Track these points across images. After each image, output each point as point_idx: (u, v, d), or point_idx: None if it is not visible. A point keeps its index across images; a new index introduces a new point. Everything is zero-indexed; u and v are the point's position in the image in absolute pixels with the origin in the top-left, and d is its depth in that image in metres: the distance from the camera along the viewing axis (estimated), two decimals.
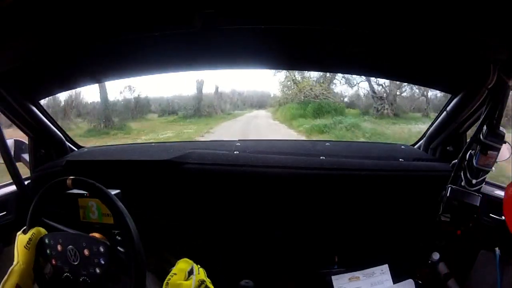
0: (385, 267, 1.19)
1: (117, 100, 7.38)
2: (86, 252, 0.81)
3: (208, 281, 0.82)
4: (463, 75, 1.17)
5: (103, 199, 0.82)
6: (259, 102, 9.02)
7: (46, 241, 0.84)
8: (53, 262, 0.84)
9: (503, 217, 1.03)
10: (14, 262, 0.83)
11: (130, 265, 0.79)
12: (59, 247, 0.83)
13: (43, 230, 0.87)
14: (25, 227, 0.87)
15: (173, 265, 0.84)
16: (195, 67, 1.46)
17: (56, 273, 0.85)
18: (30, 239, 0.84)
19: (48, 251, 0.84)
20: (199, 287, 0.79)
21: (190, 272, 0.80)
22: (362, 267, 1.23)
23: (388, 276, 1.17)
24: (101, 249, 0.80)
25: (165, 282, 0.78)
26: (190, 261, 0.83)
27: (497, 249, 1.02)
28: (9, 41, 0.84)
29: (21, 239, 0.85)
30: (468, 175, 1.04)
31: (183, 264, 0.82)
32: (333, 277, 1.19)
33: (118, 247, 0.83)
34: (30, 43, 0.91)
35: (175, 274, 0.79)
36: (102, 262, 0.80)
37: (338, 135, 6.15)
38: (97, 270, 0.81)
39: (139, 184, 1.28)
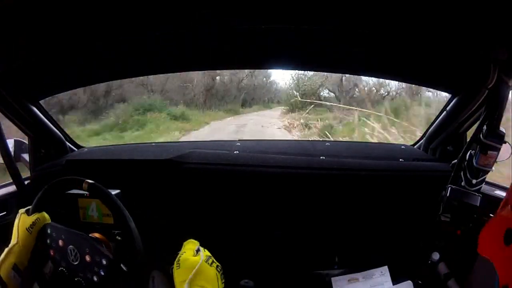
0: (385, 268, 1.19)
1: None
2: (87, 258, 0.81)
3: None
4: (463, 75, 1.16)
5: (114, 210, 0.83)
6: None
7: (49, 231, 0.84)
8: (51, 253, 0.84)
9: None
10: (13, 242, 0.82)
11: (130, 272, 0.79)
12: (60, 242, 0.83)
13: (47, 217, 0.86)
14: (28, 207, 0.86)
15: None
16: (194, 67, 1.47)
17: (52, 262, 0.84)
18: (34, 223, 0.83)
19: (48, 241, 0.84)
20: (208, 260, 0.80)
21: (197, 250, 0.82)
22: (362, 267, 1.23)
23: (387, 278, 1.17)
24: (103, 262, 0.80)
25: (176, 259, 0.79)
26: (196, 242, 0.85)
27: None
28: (9, 41, 0.84)
29: (24, 220, 0.84)
30: (468, 175, 1.04)
31: (190, 244, 0.83)
32: (332, 279, 1.19)
33: (122, 265, 0.82)
34: (30, 43, 0.91)
35: (184, 252, 0.80)
36: (102, 273, 0.80)
37: None
38: (95, 278, 0.81)
39: (139, 183, 1.28)
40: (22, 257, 0.81)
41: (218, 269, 0.81)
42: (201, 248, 0.84)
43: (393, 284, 1.16)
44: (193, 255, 0.80)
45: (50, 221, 0.86)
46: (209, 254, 0.83)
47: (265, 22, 0.94)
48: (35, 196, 0.88)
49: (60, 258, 0.83)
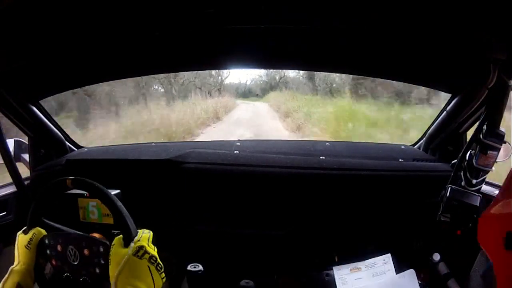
0: (388, 256, 1.16)
1: None
2: (86, 252, 0.81)
3: (149, 247, 0.77)
4: (463, 75, 1.17)
5: (103, 199, 0.82)
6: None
7: (46, 241, 0.84)
8: (53, 263, 0.84)
9: None
10: (15, 262, 0.83)
11: None
12: (59, 247, 0.83)
13: (43, 231, 0.86)
14: (25, 227, 0.87)
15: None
16: (195, 67, 1.47)
17: (56, 273, 0.85)
18: (31, 239, 0.84)
19: (48, 252, 0.84)
20: (137, 252, 0.75)
21: (129, 240, 0.76)
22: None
23: (390, 266, 1.15)
24: (101, 249, 0.80)
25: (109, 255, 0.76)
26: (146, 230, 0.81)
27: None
28: (9, 41, 0.84)
29: (22, 239, 0.85)
30: (468, 175, 1.03)
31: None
32: (334, 268, 1.17)
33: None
34: (30, 43, 0.91)
35: (113, 244, 0.77)
36: (102, 262, 0.80)
37: None
38: (97, 270, 0.81)
39: (139, 183, 1.28)
40: (25, 275, 0.82)
41: (151, 260, 0.75)
42: (139, 235, 0.77)
43: (396, 273, 1.15)
44: (122, 247, 0.76)
45: (46, 233, 0.86)
46: (142, 243, 0.76)
47: (265, 22, 0.94)
48: (35, 196, 0.88)
49: (62, 264, 0.83)
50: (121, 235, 0.78)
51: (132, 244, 0.76)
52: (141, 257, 0.75)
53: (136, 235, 0.78)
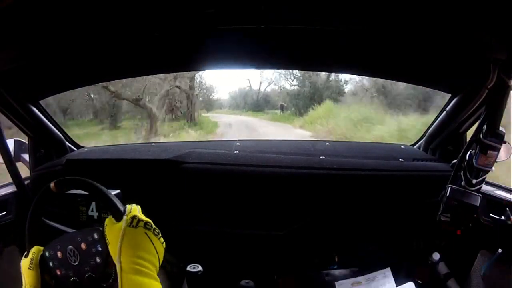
0: (388, 270, 1.18)
1: None
2: (83, 246, 0.80)
3: (140, 215, 0.77)
4: (463, 75, 1.17)
5: (87, 188, 0.81)
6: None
7: (47, 254, 0.84)
8: (58, 273, 0.84)
9: (503, 217, 1.02)
10: (23, 287, 0.83)
11: None
12: (59, 254, 0.82)
13: (41, 247, 0.85)
14: (26, 252, 0.86)
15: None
16: (195, 67, 1.47)
17: (63, 282, 0.84)
18: (32, 260, 0.83)
19: (51, 264, 0.83)
20: (132, 223, 0.74)
21: (121, 214, 0.76)
22: (362, 267, 1.23)
23: (390, 279, 1.17)
24: (96, 236, 0.79)
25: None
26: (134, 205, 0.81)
27: (500, 250, 1.02)
28: (9, 41, 0.84)
29: (24, 263, 0.84)
30: (468, 175, 1.03)
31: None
32: (336, 283, 1.19)
33: None
34: (30, 43, 0.91)
35: (105, 225, 0.76)
36: (100, 248, 0.78)
37: None
38: (98, 259, 0.80)
39: (139, 183, 1.28)
40: None
41: (147, 226, 0.74)
42: (128, 208, 0.77)
43: (396, 286, 1.16)
44: (114, 223, 0.75)
45: (44, 247, 0.85)
46: (135, 213, 0.76)
47: (265, 22, 0.94)
48: (35, 196, 0.87)
49: (66, 270, 0.83)
50: (110, 216, 0.78)
51: (124, 217, 0.75)
52: (136, 226, 0.74)
53: (125, 209, 0.78)
